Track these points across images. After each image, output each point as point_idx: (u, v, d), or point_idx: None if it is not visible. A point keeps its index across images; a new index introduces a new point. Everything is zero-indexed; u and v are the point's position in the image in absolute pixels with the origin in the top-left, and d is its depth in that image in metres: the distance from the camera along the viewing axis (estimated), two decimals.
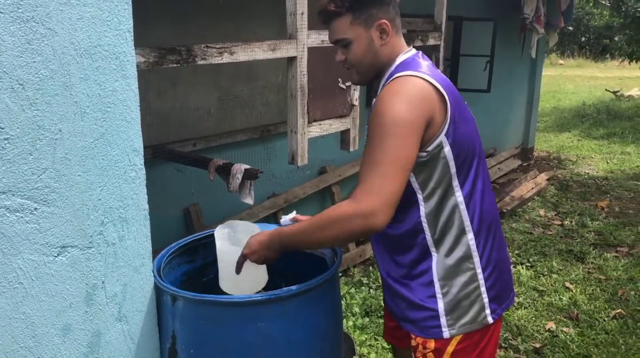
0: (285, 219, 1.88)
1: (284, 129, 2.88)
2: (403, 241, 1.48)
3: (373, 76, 1.51)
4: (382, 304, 3.12)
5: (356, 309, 3.07)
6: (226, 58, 1.92)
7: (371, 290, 3.34)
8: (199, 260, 1.92)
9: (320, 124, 2.45)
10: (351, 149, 2.65)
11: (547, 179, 5.99)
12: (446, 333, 1.47)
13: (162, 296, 1.56)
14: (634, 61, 10.21)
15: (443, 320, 1.46)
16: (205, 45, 1.85)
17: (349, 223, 1.27)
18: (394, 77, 1.38)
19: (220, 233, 1.66)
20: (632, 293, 3.48)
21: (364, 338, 2.83)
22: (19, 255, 1.24)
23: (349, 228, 1.27)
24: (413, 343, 1.56)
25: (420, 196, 1.43)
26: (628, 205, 5.27)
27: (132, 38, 1.40)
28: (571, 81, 15.71)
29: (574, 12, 9.12)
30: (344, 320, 2.83)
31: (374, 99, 1.44)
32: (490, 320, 1.48)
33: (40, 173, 1.25)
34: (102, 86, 1.34)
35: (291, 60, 2.25)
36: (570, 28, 13.12)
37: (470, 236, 1.45)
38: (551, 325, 3.11)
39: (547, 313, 3.25)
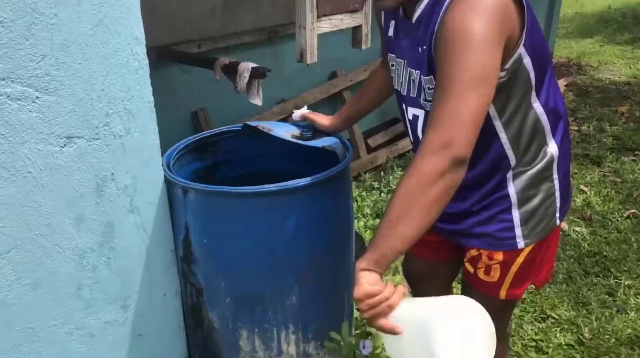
0: (296, 113, 1.85)
1: (292, 31, 2.77)
2: (483, 176, 1.35)
3: None
4: None
5: (367, 211, 3.10)
6: None
7: (382, 193, 3.35)
8: (209, 158, 1.92)
9: (330, 19, 2.35)
10: (363, 47, 2.55)
11: (566, 86, 5.82)
12: (521, 244, 1.38)
13: (173, 189, 1.57)
14: None
15: (518, 231, 1.37)
16: None
17: (439, 171, 1.07)
18: None
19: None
20: None
21: None
22: (25, 144, 1.22)
23: (443, 178, 1.07)
24: (473, 253, 1.44)
25: (498, 123, 1.29)
26: None
27: None
28: None
29: None
30: (355, 221, 2.86)
31: (414, 23, 1.27)
32: (558, 222, 1.43)
33: (39, 59, 1.21)
34: None
35: None
36: None
37: (551, 144, 1.35)
38: (563, 225, 3.12)
39: None
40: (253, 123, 1.83)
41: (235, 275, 1.56)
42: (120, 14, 1.35)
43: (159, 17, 2.52)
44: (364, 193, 3.31)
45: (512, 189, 1.35)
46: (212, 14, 2.80)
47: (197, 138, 1.85)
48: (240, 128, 1.89)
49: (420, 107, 1.35)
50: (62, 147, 1.30)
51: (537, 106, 1.30)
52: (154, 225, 1.55)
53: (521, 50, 1.21)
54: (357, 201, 3.17)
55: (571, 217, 3.23)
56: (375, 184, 3.47)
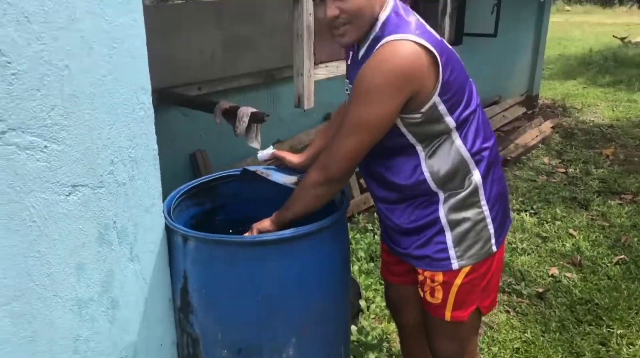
0: (262, 154, 1.88)
1: (289, 74, 2.82)
2: (406, 189, 1.51)
3: (365, 32, 1.42)
4: None
5: (361, 254, 3.10)
6: None
7: (375, 236, 3.36)
8: (208, 202, 1.92)
9: (326, 66, 2.40)
10: None
11: (552, 127, 5.94)
12: (455, 265, 1.51)
13: (173, 236, 1.57)
14: None
15: (452, 251, 1.51)
16: None
17: (314, 188, 1.49)
18: (382, 43, 1.34)
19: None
20: (635, 239, 3.51)
21: (369, 283, 2.87)
22: (31, 193, 1.22)
23: (315, 192, 1.51)
24: (420, 278, 1.60)
25: (419, 148, 1.46)
26: (633, 153, 5.25)
27: None
28: (578, 27, 15.38)
29: None
30: (352, 265, 2.86)
31: (359, 59, 1.45)
32: (494, 248, 1.55)
33: (49, 109, 1.22)
34: (109, 20, 1.29)
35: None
36: None
37: (475, 173, 1.49)
38: (554, 270, 3.14)
39: (551, 259, 3.29)
40: (252, 168, 1.85)
41: (232, 326, 1.55)
42: (129, 65, 1.37)
43: (160, 60, 2.54)
44: (357, 235, 3.32)
45: (442, 212, 1.50)
46: (212, 57, 2.85)
47: (197, 183, 1.86)
48: (239, 173, 1.90)
49: None
50: (67, 196, 1.30)
51: (458, 141, 1.46)
52: (153, 273, 1.54)
53: (435, 99, 1.38)
54: (351, 244, 3.17)
55: (561, 262, 3.26)
56: (369, 226, 3.49)
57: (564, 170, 4.81)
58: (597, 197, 4.19)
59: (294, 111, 3.17)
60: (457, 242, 1.51)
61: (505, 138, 5.37)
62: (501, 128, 5.95)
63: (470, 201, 1.50)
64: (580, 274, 3.12)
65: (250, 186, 1.93)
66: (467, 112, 1.46)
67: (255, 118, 2.26)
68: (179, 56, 2.69)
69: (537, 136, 5.53)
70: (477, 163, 1.49)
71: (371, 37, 1.41)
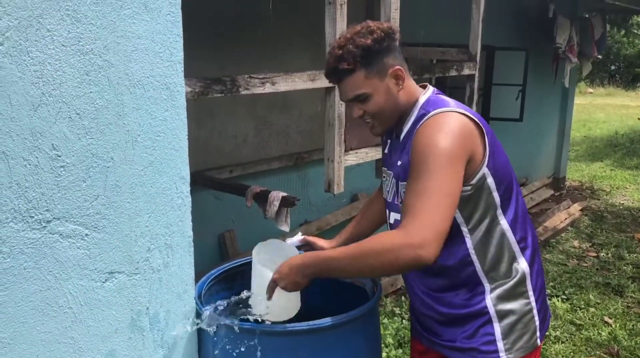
0: (292, 240, 1.88)
1: (318, 157, 2.90)
2: (454, 272, 1.47)
3: (395, 124, 1.48)
4: None
5: (389, 340, 3.02)
6: (268, 88, 1.96)
7: (404, 320, 3.29)
8: (237, 286, 1.92)
9: (356, 153, 2.47)
10: None
11: (581, 210, 5.87)
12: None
13: None
14: None
15: (500, 344, 1.45)
16: (248, 76, 1.89)
17: (397, 253, 1.22)
18: (430, 115, 1.37)
19: (257, 253, 1.64)
20: None
21: None
22: (69, 280, 1.26)
23: (397, 259, 1.23)
24: None
25: (465, 229, 1.43)
26: None
27: (182, 69, 1.44)
28: (601, 109, 15.50)
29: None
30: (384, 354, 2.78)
31: (401, 141, 1.46)
32: (539, 341, 1.50)
33: (93, 199, 1.28)
34: (153, 115, 1.37)
35: (329, 90, 2.27)
36: (600, 57, 13.00)
37: (521, 261, 1.47)
38: None
39: (586, 349, 3.16)
40: None
41: None
42: (170, 156, 1.44)
43: (193, 144, 2.66)
44: (385, 320, 3.25)
45: (490, 302, 1.45)
46: (244, 141, 2.96)
47: (227, 267, 1.88)
48: None
49: (400, 212, 1.48)
50: (104, 282, 1.33)
51: (504, 223, 1.44)
52: None
53: (485, 170, 1.38)
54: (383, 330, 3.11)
55: (598, 352, 3.12)
56: (397, 310, 3.42)
57: (595, 254, 4.70)
58: (631, 283, 4.06)
59: (322, 193, 3.23)
60: (506, 334, 1.45)
61: (533, 220, 5.31)
62: (529, 210, 5.90)
63: (518, 291, 1.46)
64: None
65: None
66: (510, 190, 1.46)
67: (286, 202, 2.30)
68: (212, 140, 2.80)
69: (566, 218, 5.46)
70: (523, 250, 1.47)
71: (413, 117, 1.44)
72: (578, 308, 3.65)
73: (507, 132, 5.48)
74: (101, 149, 1.28)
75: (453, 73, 3.05)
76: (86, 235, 1.28)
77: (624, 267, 4.38)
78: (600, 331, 3.35)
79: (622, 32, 10.60)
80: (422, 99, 1.45)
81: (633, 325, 3.42)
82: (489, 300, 1.45)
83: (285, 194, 2.32)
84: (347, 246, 1.37)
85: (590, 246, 4.91)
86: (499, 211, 1.43)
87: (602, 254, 4.69)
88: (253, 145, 3.01)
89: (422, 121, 1.38)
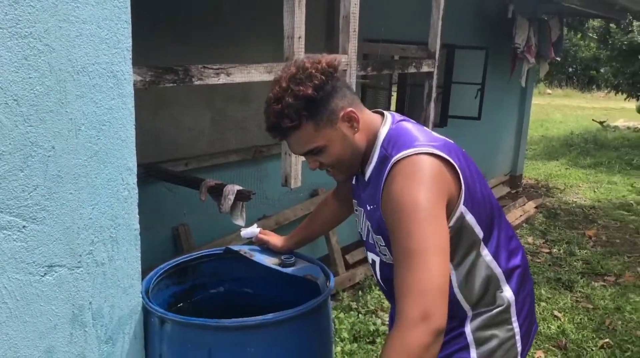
0: (246, 232, 1.87)
1: (276, 151, 2.87)
2: None
3: (358, 167, 1.37)
4: (371, 330, 3.09)
5: (345, 334, 3.03)
6: (223, 79, 1.92)
7: (360, 315, 3.31)
8: (188, 281, 1.89)
9: None
10: None
11: (536, 207, 6.02)
12: None
13: (150, 318, 1.53)
14: (620, 93, 10.40)
15: None
16: (202, 65, 1.85)
17: (423, 343, 1.08)
18: (395, 161, 1.23)
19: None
20: (619, 323, 3.48)
21: None
22: (4, 273, 1.20)
23: (426, 345, 1.08)
24: None
25: (450, 266, 1.30)
26: (615, 234, 5.31)
27: (131, 57, 1.39)
28: (559, 110, 15.95)
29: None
30: (334, 346, 2.78)
31: (366, 181, 1.35)
32: None
33: (31, 190, 1.23)
34: (98, 104, 1.33)
35: None
36: (558, 59, 13.37)
37: (506, 289, 1.38)
38: (540, 354, 3.09)
39: (536, 342, 3.24)
40: (235, 247, 1.84)
41: None
42: (116, 146, 1.39)
43: (147, 136, 2.60)
44: (341, 315, 3.26)
45: (469, 328, 1.37)
46: (201, 133, 2.90)
47: (178, 261, 1.84)
48: (221, 252, 1.89)
49: (376, 254, 1.43)
50: (42, 276, 1.28)
51: (487, 256, 1.35)
52: (127, 356, 1.49)
53: (462, 208, 1.27)
54: (334, 324, 3.11)
55: (547, 345, 3.21)
56: (354, 305, 3.43)
57: (548, 250, 4.84)
58: (581, 278, 4.19)
59: (280, 188, 3.21)
60: None
61: None
62: None
63: (501, 318, 1.38)
64: None
65: (232, 266, 1.91)
66: (492, 219, 1.37)
67: (241, 196, 2.27)
68: (167, 132, 2.74)
69: (521, 215, 5.59)
70: (509, 278, 1.39)
71: (375, 156, 1.32)
72: None
73: (466, 131, 5.57)
74: (41, 138, 1.23)
75: (412, 70, 3.07)
76: (24, 226, 1.23)
77: (575, 263, 4.52)
78: (549, 325, 3.44)
79: (579, 35, 10.92)
80: (381, 135, 1.32)
81: (580, 319, 3.53)
82: (469, 327, 1.37)
83: (240, 187, 2.29)
84: None
85: (543, 243, 5.04)
86: (482, 245, 1.34)
87: (554, 250, 4.82)
88: (210, 137, 2.96)
89: (387, 170, 1.24)
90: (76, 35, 1.25)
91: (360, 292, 3.65)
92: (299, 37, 2.18)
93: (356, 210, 1.50)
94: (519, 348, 1.41)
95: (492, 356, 1.37)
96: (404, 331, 1.09)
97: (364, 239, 1.47)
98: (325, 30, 3.58)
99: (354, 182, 1.48)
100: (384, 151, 1.29)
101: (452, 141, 1.36)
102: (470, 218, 1.30)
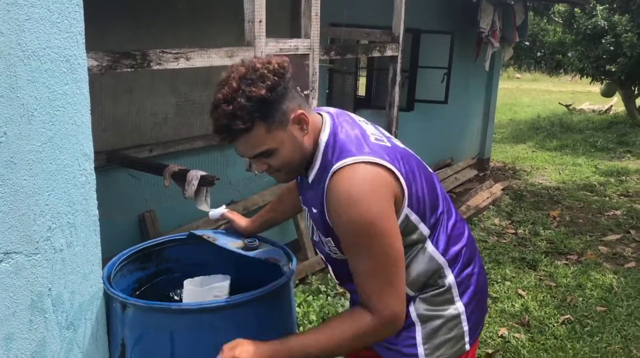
0: (214, 212, 1.88)
1: None
2: None
3: (303, 169, 1.37)
4: (339, 311, 3.13)
5: (313, 317, 3.07)
6: (182, 63, 1.91)
7: (329, 297, 3.35)
8: (152, 267, 1.89)
9: None
10: None
11: (502, 189, 6.14)
12: None
13: (112, 303, 1.53)
14: (585, 77, 10.62)
15: (421, 349, 1.41)
16: (160, 50, 1.84)
17: (378, 333, 1.30)
18: (335, 171, 1.25)
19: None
20: (580, 299, 3.61)
21: None
22: None
23: (379, 337, 1.33)
24: None
25: None
26: (578, 214, 5.46)
27: (84, 41, 1.38)
28: (527, 94, 16.23)
29: (529, 28, 9.43)
30: (301, 329, 2.82)
31: (310, 183, 1.36)
32: (467, 347, 1.46)
33: None
34: (51, 89, 1.31)
35: None
36: (527, 43, 13.55)
37: (448, 275, 1.42)
38: (504, 331, 3.18)
39: (500, 320, 3.33)
40: (198, 232, 1.85)
41: None
42: (71, 131, 1.38)
43: (110, 122, 2.57)
44: (310, 298, 3.30)
45: (412, 308, 1.42)
46: (165, 119, 2.88)
47: (141, 247, 1.84)
48: (185, 237, 1.89)
49: (326, 253, 1.46)
50: None
51: (431, 249, 1.39)
52: (89, 342, 1.50)
53: (406, 210, 1.31)
54: (302, 307, 3.15)
55: (510, 322, 3.30)
56: (322, 288, 3.47)
57: (513, 231, 4.95)
58: (545, 258, 4.31)
59: (245, 174, 3.21)
60: (428, 338, 1.41)
61: (457, 200, 5.52)
62: (453, 190, 6.12)
63: (443, 299, 1.42)
64: (529, 334, 3.16)
65: (196, 250, 1.92)
66: (437, 213, 1.40)
67: (205, 181, 2.27)
68: (130, 118, 2.72)
69: (488, 197, 5.70)
70: (452, 265, 1.43)
71: (318, 161, 1.33)
72: (495, 282, 3.84)
73: (433, 114, 5.64)
74: None
75: (376, 54, 3.09)
76: None
77: (539, 243, 4.64)
78: (513, 303, 3.54)
79: (545, 19, 11.09)
80: (322, 141, 1.32)
81: (543, 297, 3.64)
82: (413, 306, 1.42)
83: (204, 173, 2.29)
84: (315, 332, 1.35)
85: (509, 224, 5.16)
86: (427, 240, 1.38)
87: (519, 231, 4.94)
88: (174, 123, 2.94)
89: (328, 178, 1.26)
90: (25, 19, 1.23)
91: (329, 275, 3.70)
92: (260, 21, 2.18)
93: (303, 206, 1.49)
94: (465, 328, 1.44)
95: (436, 334, 1.42)
96: (377, 327, 1.27)
97: (311, 236, 1.50)
98: (290, 14, 3.57)
99: (299, 180, 1.49)
100: (325, 159, 1.31)
101: (389, 143, 1.38)
102: (415, 218, 1.34)
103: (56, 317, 1.41)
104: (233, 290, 1.67)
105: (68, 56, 1.34)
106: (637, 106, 10.69)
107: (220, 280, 1.76)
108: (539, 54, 22.87)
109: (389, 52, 3.15)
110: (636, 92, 10.46)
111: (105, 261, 1.57)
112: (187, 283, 1.72)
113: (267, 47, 2.28)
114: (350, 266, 1.31)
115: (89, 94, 1.41)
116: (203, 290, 1.69)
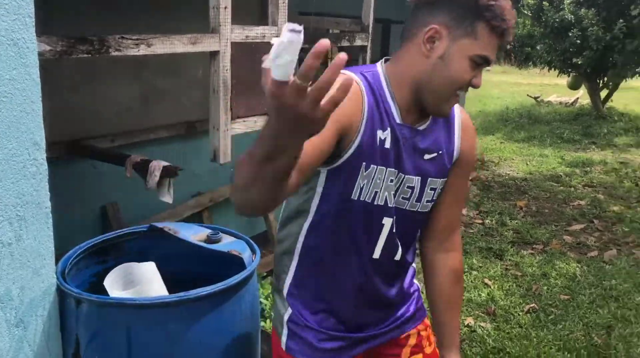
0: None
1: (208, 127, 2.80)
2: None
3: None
4: None
5: None
6: (143, 50, 1.84)
7: None
8: (111, 260, 1.83)
9: (244, 121, 2.41)
10: None
11: (470, 180, 6.20)
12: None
13: (66, 299, 1.48)
14: (553, 69, 10.77)
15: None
16: (120, 36, 1.77)
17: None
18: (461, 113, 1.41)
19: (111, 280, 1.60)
20: (545, 288, 3.67)
21: None
22: None
23: None
24: (411, 342, 1.51)
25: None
26: (544, 205, 5.55)
27: (34, 24, 1.31)
28: (497, 86, 16.39)
29: None
30: (268, 321, 2.80)
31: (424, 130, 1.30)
32: None
33: None
34: None
35: (213, 54, 2.19)
36: None
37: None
38: (470, 320, 3.21)
39: (467, 309, 3.36)
40: (159, 224, 1.80)
41: None
42: (20, 120, 1.32)
43: (69, 111, 2.48)
44: None
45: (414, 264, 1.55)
46: (128, 108, 2.80)
47: (99, 240, 1.78)
48: (145, 229, 1.84)
49: (391, 216, 1.31)
50: None
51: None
52: (40, 340, 1.44)
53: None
54: (270, 300, 3.11)
55: (477, 312, 3.34)
56: None
57: (481, 221, 5.01)
58: (511, 247, 4.36)
59: (210, 165, 3.15)
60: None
61: None
62: None
63: None
64: (494, 323, 3.20)
65: (158, 243, 1.87)
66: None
67: (167, 172, 2.22)
68: (91, 107, 2.63)
69: None
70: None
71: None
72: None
73: None
74: None
75: (345, 44, 3.06)
76: None
77: (506, 233, 4.70)
78: (480, 292, 3.58)
79: (514, 12, 11.18)
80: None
81: (509, 286, 3.69)
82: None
83: (166, 163, 2.23)
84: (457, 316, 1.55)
85: (477, 214, 5.21)
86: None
87: (487, 221, 5.00)
88: (138, 112, 2.86)
89: (461, 112, 1.40)
90: None
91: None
92: (225, 8, 2.12)
93: (373, 176, 1.25)
94: None
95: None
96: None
97: (382, 204, 1.29)
98: (259, 1, 3.51)
99: (387, 145, 1.25)
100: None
101: None
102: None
103: (4, 314, 1.35)
104: (196, 285, 1.63)
105: (16, 40, 1.27)
106: (602, 99, 10.91)
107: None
108: (508, 46, 23.15)
109: (358, 42, 3.12)
110: (601, 85, 10.66)
111: (63, 255, 1.51)
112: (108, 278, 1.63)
113: (233, 34, 2.22)
114: (457, 202, 1.44)
115: (39, 80, 1.35)
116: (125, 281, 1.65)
